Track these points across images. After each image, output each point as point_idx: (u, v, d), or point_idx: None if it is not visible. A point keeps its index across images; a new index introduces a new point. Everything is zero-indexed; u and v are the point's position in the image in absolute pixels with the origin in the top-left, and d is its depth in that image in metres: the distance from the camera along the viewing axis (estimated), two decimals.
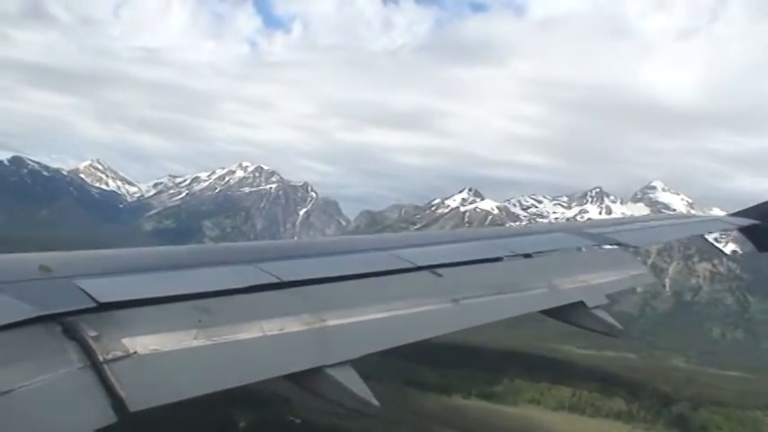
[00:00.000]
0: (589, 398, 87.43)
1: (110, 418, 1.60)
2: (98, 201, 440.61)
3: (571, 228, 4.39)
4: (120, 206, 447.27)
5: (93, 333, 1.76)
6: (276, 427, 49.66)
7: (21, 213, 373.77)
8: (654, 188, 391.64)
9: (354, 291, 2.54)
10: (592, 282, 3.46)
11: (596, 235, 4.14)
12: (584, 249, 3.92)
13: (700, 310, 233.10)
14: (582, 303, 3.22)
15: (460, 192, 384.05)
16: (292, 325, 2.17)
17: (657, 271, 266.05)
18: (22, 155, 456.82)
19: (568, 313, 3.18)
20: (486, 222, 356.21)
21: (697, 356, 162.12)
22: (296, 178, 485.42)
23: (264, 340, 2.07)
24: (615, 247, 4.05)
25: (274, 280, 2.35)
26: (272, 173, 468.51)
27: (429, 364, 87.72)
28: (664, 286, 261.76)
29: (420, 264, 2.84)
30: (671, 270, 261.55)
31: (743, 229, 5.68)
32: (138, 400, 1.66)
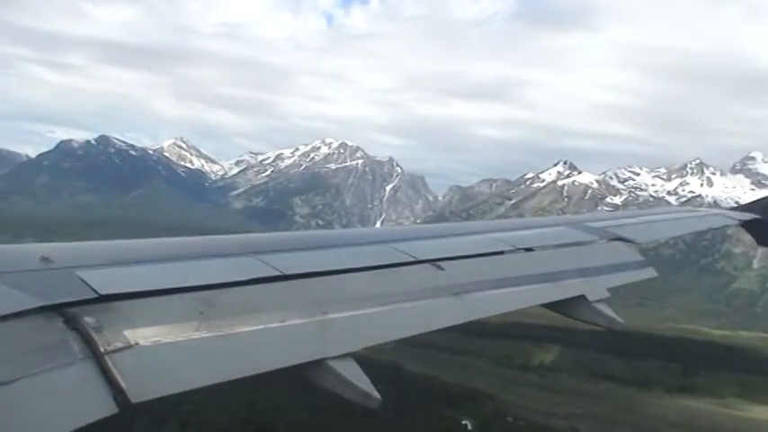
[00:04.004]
0: None
1: (111, 408, 1.62)
2: (185, 180, 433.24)
3: (572, 222, 4.36)
4: (206, 184, 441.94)
5: (94, 324, 1.78)
6: (498, 428, 50.46)
7: (111, 194, 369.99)
8: (753, 159, 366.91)
9: (356, 284, 2.54)
10: (593, 276, 3.44)
11: (597, 229, 4.14)
12: (585, 243, 3.88)
13: None
14: (583, 297, 3.20)
15: (555, 165, 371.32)
16: (294, 317, 2.18)
17: None
18: (107, 134, 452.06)
19: (570, 307, 3.18)
20: (586, 197, 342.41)
21: None
22: (374, 154, 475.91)
23: (266, 332, 2.08)
24: (616, 241, 4.00)
25: (276, 272, 2.36)
26: (357, 149, 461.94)
27: (612, 353, 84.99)
28: None
29: (421, 257, 2.84)
30: None
31: (744, 224, 5.70)
32: (139, 391, 1.68)
